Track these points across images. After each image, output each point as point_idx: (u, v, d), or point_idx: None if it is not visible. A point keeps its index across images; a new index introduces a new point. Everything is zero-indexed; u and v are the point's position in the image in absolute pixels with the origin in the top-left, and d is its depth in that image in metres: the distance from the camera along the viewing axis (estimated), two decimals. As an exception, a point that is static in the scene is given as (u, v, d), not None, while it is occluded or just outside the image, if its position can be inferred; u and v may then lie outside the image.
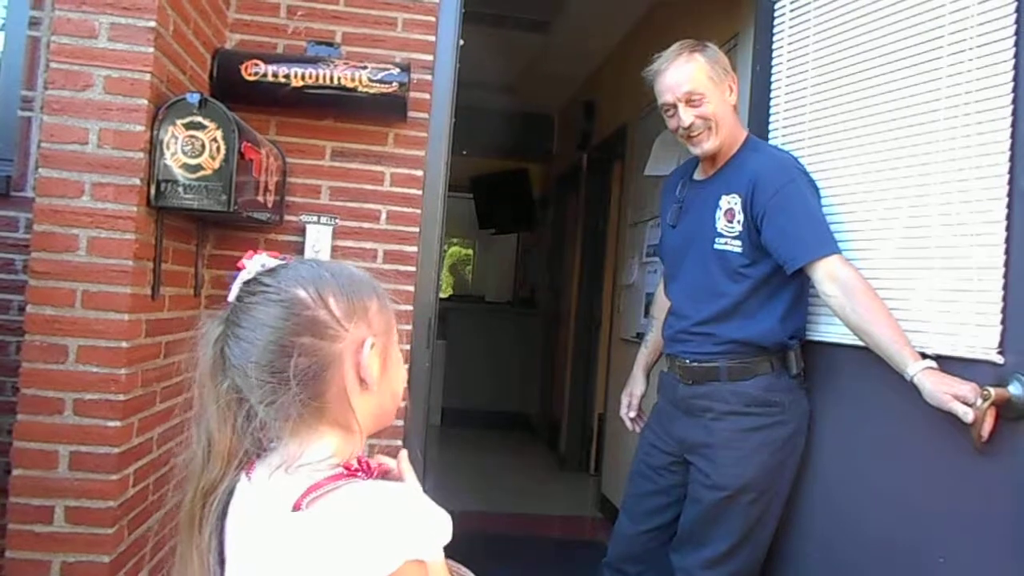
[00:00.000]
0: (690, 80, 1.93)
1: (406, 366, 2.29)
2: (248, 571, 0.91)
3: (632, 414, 2.28)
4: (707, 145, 1.96)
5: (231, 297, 0.94)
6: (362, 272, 0.98)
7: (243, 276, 0.95)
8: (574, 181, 6.04)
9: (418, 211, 2.44)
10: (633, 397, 2.29)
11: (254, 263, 0.96)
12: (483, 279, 8.57)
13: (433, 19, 2.43)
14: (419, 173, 2.43)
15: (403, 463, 1.01)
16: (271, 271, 0.95)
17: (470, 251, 8.88)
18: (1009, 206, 1.51)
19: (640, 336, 3.88)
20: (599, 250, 5.29)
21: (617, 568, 2.11)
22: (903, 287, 1.75)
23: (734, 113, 2.01)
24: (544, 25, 4.95)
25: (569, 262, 6.11)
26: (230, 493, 0.94)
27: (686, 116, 1.94)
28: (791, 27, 2.15)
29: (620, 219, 4.81)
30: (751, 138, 2.05)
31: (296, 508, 0.85)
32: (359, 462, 0.93)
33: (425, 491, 0.92)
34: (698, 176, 2.10)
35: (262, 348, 0.89)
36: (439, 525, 0.88)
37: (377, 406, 0.95)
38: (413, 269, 2.44)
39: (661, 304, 2.25)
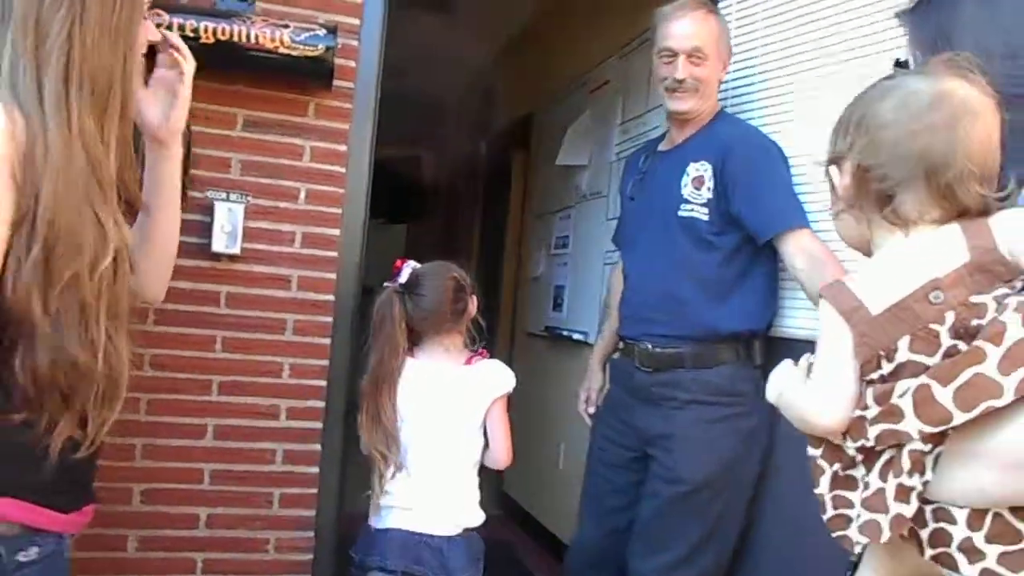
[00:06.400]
0: (701, 37, 1.88)
1: (326, 361, 2.09)
2: (433, 402, 1.83)
3: (591, 410, 2.17)
4: (686, 105, 1.92)
5: (403, 280, 1.85)
6: None
7: (406, 272, 1.86)
8: (471, 170, 5.87)
9: (341, 190, 2.22)
10: (591, 392, 2.18)
11: (408, 266, 1.87)
12: (368, 269, 8.26)
13: (361, -22, 2.20)
14: (343, 148, 2.21)
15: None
16: (425, 266, 1.89)
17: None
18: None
19: (549, 330, 3.80)
20: (498, 241, 5.15)
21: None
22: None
23: (717, 87, 1.98)
24: (445, 4, 4.76)
25: (465, 253, 5.94)
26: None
27: (683, 70, 1.88)
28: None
29: (524, 210, 4.69)
30: (724, 111, 2.01)
31: (468, 363, 1.88)
32: (478, 351, 1.92)
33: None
34: (663, 147, 2.04)
35: (440, 299, 1.85)
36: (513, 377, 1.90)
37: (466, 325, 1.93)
38: (335, 255, 2.23)
39: (616, 292, 2.14)
